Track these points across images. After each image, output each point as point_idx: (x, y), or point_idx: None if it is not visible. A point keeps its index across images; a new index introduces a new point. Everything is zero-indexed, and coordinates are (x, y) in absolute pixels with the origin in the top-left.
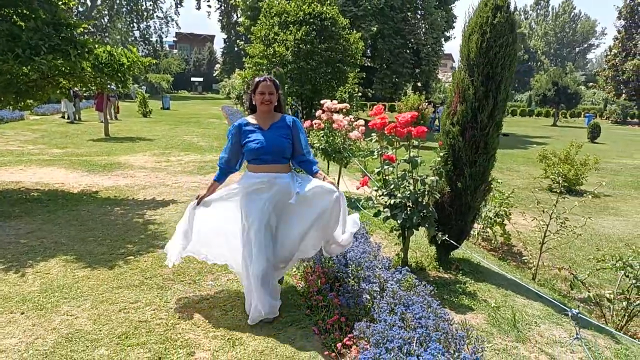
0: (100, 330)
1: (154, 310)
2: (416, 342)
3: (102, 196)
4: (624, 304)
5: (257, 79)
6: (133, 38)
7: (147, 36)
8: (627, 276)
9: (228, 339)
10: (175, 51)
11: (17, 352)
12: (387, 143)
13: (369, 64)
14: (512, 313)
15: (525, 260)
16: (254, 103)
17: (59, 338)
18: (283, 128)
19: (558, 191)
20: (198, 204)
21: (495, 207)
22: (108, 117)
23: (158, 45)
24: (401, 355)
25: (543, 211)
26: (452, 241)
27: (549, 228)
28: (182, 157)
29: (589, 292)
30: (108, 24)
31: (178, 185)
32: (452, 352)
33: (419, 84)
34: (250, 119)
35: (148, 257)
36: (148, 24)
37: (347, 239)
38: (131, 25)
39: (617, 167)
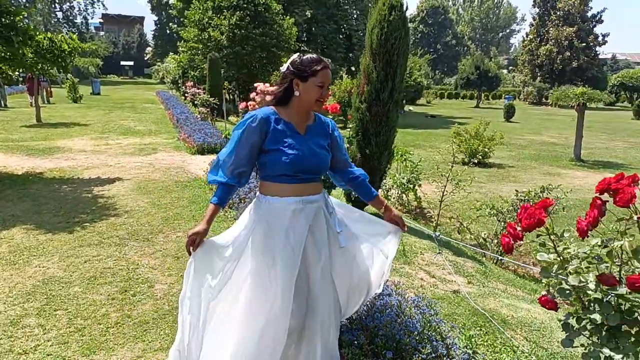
0: (71, 276)
1: (115, 260)
2: None
3: (48, 176)
4: (495, 242)
5: (309, 60)
6: (56, 20)
7: (70, 17)
8: (499, 221)
9: (181, 275)
10: (102, 33)
11: (2, 293)
12: None
13: (305, 48)
14: (403, 246)
15: (429, 217)
16: (297, 93)
17: (36, 282)
18: (322, 135)
19: (452, 158)
20: (195, 248)
21: (407, 175)
22: (40, 102)
23: (83, 28)
24: None
25: (441, 175)
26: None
27: (447, 189)
28: (121, 140)
29: (471, 234)
30: (27, 5)
31: (121, 165)
32: None
33: (353, 68)
34: (282, 113)
35: (102, 223)
36: (71, 4)
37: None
38: (53, 6)
39: (525, 143)
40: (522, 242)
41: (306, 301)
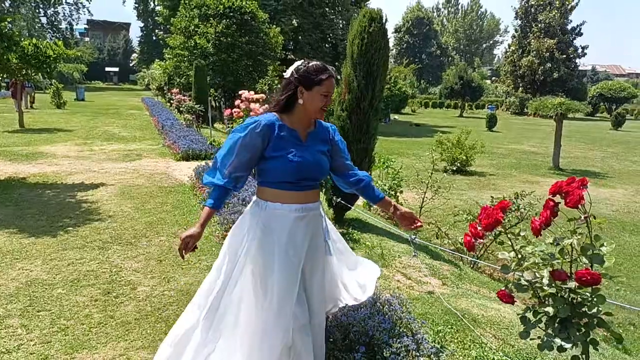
0: (55, 278)
1: (98, 263)
2: None
3: (31, 182)
4: None
5: (315, 68)
6: (40, 25)
7: (55, 23)
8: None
9: (163, 277)
10: (87, 39)
11: None
12: None
13: (292, 57)
14: (381, 250)
15: None
16: (300, 101)
17: (19, 285)
18: (322, 141)
19: (432, 166)
20: (188, 251)
21: (389, 181)
22: (23, 107)
23: (68, 33)
24: None
25: (421, 181)
26: (345, 203)
27: (427, 196)
28: (105, 146)
29: (449, 239)
30: (10, 10)
31: (105, 171)
32: None
33: (339, 77)
34: (285, 120)
35: (86, 227)
36: (56, 10)
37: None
38: (37, 11)
39: (506, 152)
40: (483, 240)
41: (305, 299)
